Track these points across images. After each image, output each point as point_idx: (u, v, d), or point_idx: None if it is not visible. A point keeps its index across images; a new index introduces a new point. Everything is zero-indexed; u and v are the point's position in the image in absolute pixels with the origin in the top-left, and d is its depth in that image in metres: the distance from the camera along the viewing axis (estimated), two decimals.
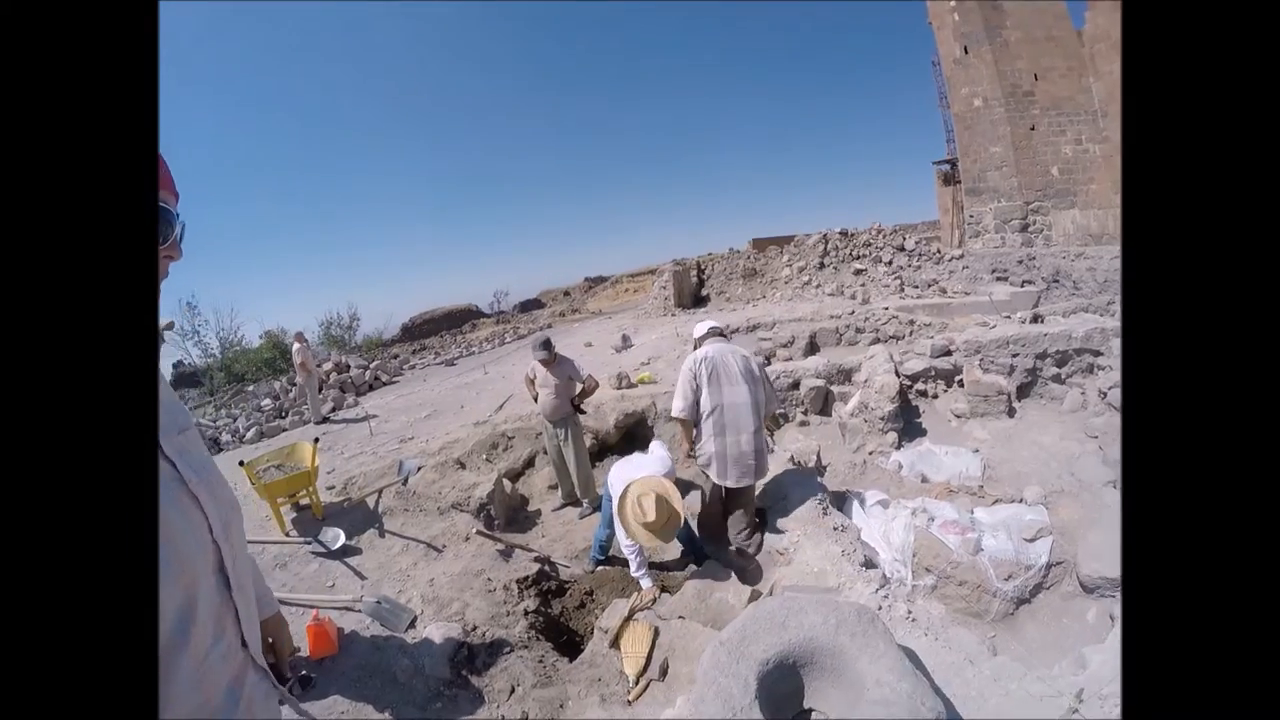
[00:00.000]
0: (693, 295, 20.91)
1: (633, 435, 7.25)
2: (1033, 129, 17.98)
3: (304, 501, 5.30)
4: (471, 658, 3.51)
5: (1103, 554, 4.00)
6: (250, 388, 16.95)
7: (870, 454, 6.98)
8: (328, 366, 14.74)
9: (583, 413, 5.83)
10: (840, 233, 19.91)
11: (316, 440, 5.48)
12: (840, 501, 4.98)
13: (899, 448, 7.05)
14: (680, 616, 3.50)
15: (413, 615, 3.88)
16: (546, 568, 4.68)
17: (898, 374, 8.01)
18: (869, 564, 3.91)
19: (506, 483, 5.99)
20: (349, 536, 4.82)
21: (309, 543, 4.74)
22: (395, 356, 22.34)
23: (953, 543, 4.35)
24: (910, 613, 2.96)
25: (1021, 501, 5.12)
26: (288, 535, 4.94)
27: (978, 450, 6.70)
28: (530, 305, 51.63)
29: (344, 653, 3.54)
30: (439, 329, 39.20)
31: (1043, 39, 17.77)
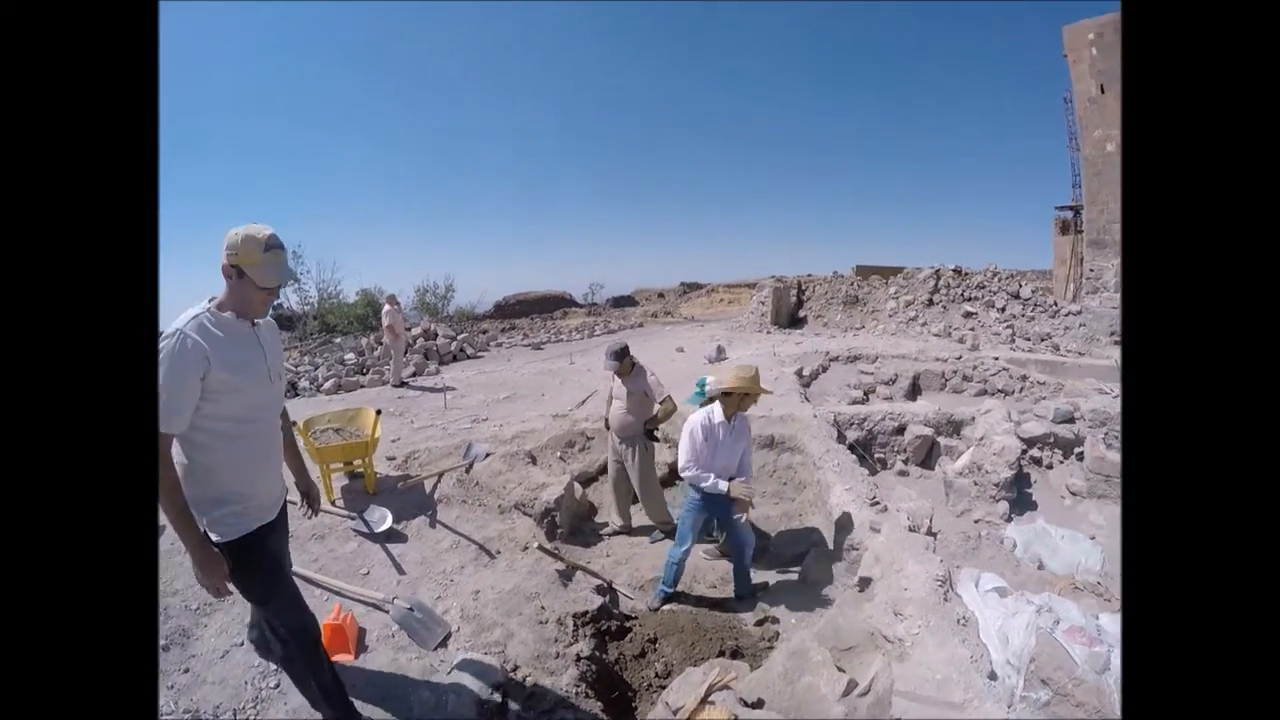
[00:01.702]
0: (790, 315, 20.43)
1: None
2: None
3: (359, 470, 5.01)
4: (504, 708, 2.99)
5: None
6: (338, 340, 17.24)
7: (977, 522, 6.32)
8: (416, 331, 14.86)
9: (655, 439, 5.32)
10: (954, 270, 19.01)
11: (379, 412, 5.16)
12: (950, 579, 4.36)
13: (1009, 520, 6.37)
14: (761, 701, 2.95)
15: (447, 631, 3.46)
16: (608, 600, 4.21)
17: (1018, 436, 7.19)
18: (993, 674, 3.29)
19: (578, 487, 5.57)
20: (397, 520, 4.48)
21: (353, 518, 4.42)
22: (484, 331, 22.47)
23: (1079, 655, 3.70)
24: None
25: None
26: (334, 504, 4.64)
27: (1094, 537, 5.98)
28: (623, 301, 51.40)
29: (359, 661, 3.15)
30: (531, 311, 39.42)
31: None
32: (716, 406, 4.17)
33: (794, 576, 4.77)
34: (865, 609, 3.63)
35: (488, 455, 5.59)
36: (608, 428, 5.33)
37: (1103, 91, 17.67)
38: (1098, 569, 5.24)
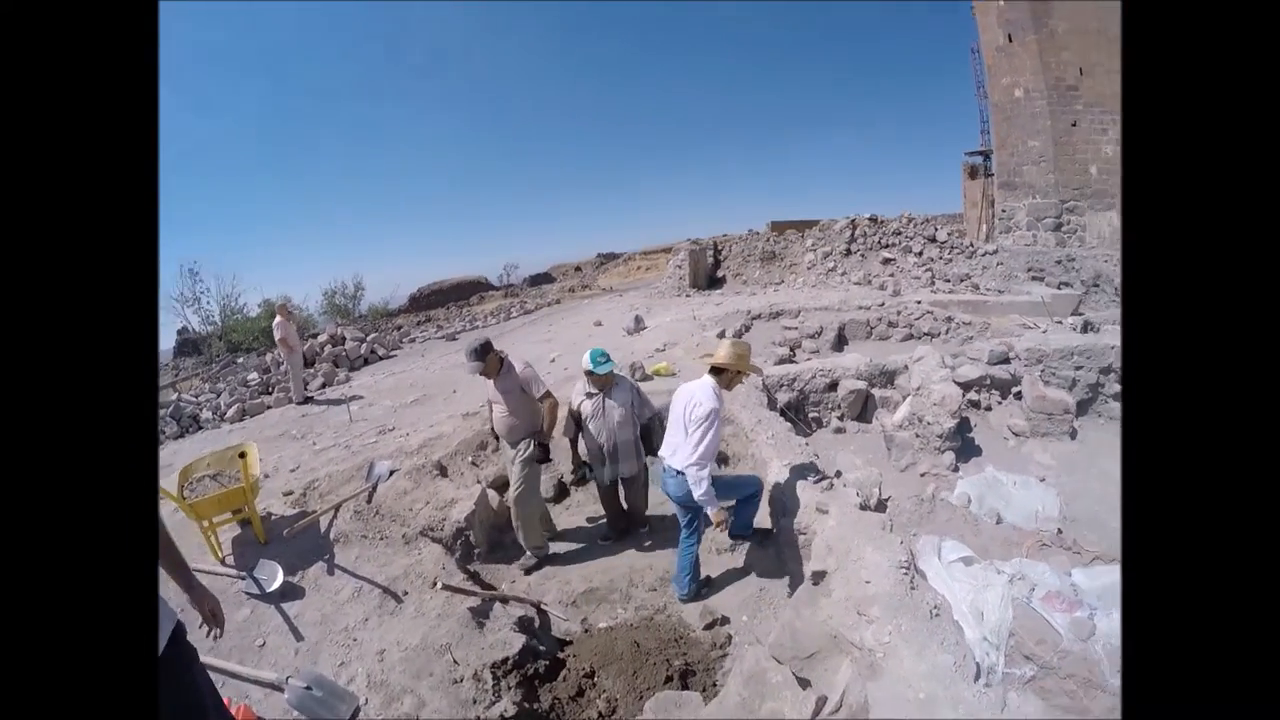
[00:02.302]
0: (708, 276, 20.10)
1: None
2: (1074, 125, 17.11)
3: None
4: None
5: None
6: (240, 360, 16.06)
7: (923, 475, 6.07)
8: (322, 338, 13.91)
9: (548, 459, 4.55)
10: (870, 218, 18.96)
11: (243, 455, 4.39)
12: (914, 561, 4.01)
13: (956, 470, 6.14)
14: None
15: (354, 706, 2.91)
16: (537, 627, 3.69)
17: (955, 382, 6.97)
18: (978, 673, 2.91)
19: (492, 495, 4.97)
20: (292, 571, 3.86)
21: (243, 578, 3.77)
22: (398, 328, 21.65)
23: (1060, 623, 3.40)
24: None
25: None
26: (223, 563, 3.98)
27: (1044, 479, 5.80)
28: (540, 279, 50.16)
29: None
30: (446, 300, 37.96)
31: (1091, 32, 16.82)
32: (708, 385, 3.85)
33: (741, 561, 4.41)
34: (824, 608, 3.21)
35: (392, 474, 4.97)
36: (496, 437, 4.72)
37: (1010, 40, 17.66)
38: (1056, 514, 5.04)
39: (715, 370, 3.87)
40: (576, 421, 4.56)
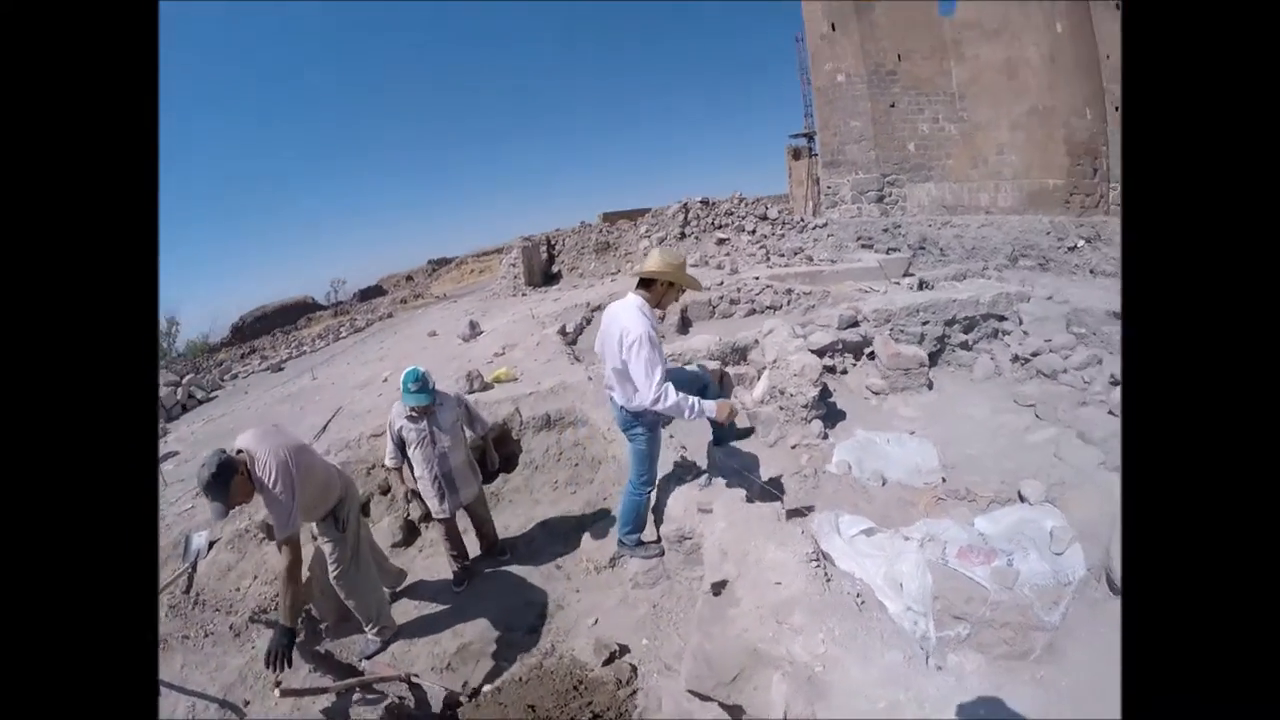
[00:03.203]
0: (543, 272, 19.76)
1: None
2: (893, 106, 18.40)
3: None
4: None
5: None
6: None
7: (794, 448, 5.95)
8: None
9: (343, 532, 3.59)
10: (701, 201, 19.31)
11: None
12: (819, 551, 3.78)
13: (826, 437, 6.08)
14: None
15: None
16: (411, 705, 3.10)
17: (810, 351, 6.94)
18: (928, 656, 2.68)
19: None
20: None
21: None
22: (220, 364, 19.63)
23: (982, 576, 3.31)
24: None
25: (1021, 500, 4.24)
26: None
27: (914, 432, 5.86)
28: (371, 293, 47.70)
29: None
30: (272, 326, 35.11)
31: (908, 21, 18.25)
32: (633, 305, 3.33)
33: (627, 576, 4.00)
34: (734, 621, 2.88)
35: (211, 545, 4.15)
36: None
37: (834, 29, 18.74)
38: (936, 465, 5.03)
39: (644, 284, 3.38)
40: (400, 448, 3.95)
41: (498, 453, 4.42)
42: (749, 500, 3.47)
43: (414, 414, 3.81)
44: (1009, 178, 16.76)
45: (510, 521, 4.74)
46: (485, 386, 6.43)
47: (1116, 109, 13.66)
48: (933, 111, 18.45)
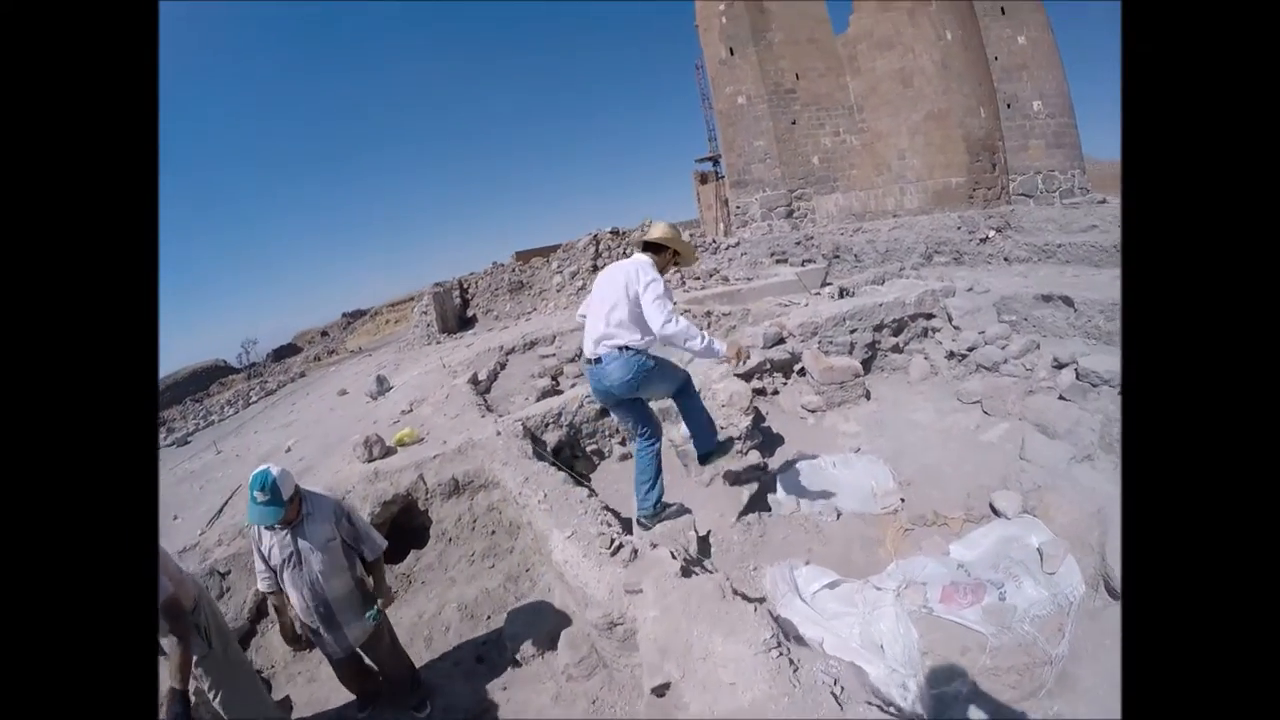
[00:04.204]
0: (458, 317, 19.04)
1: (400, 527, 4.72)
2: (794, 123, 18.77)
3: None
4: None
5: None
6: None
7: (733, 485, 5.32)
8: None
9: (209, 647, 2.82)
10: (611, 232, 19.26)
11: None
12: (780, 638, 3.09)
13: (765, 468, 5.47)
14: None
15: None
16: None
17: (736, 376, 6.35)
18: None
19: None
20: None
21: None
22: None
23: (973, 618, 2.85)
24: None
25: (996, 514, 3.85)
26: None
27: (859, 449, 5.36)
28: (285, 351, 45.49)
29: None
30: (181, 395, 32.24)
31: (804, 41, 18.76)
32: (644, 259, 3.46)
33: (558, 671, 3.34)
34: None
35: None
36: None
37: (732, 54, 19.05)
38: (892, 484, 4.54)
39: (649, 249, 3.53)
40: (268, 565, 2.99)
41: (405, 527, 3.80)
42: (684, 573, 2.77)
43: (275, 525, 2.89)
44: (913, 180, 17.06)
45: (425, 607, 4.08)
46: (387, 452, 5.53)
47: (1009, 106, 13.90)
48: (834, 125, 18.92)
